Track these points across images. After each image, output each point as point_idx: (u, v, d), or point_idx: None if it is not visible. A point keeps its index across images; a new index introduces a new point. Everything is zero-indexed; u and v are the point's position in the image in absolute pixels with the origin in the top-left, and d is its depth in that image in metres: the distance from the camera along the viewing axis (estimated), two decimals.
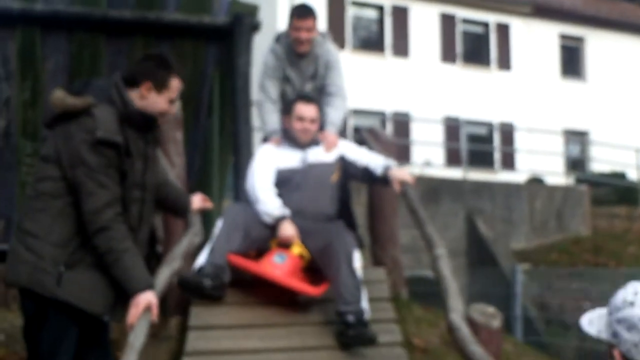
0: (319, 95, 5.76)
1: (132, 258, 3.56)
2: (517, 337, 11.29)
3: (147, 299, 3.54)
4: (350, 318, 4.64)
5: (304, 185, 5.18)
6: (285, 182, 5.20)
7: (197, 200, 4.53)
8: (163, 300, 4.26)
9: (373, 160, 5.31)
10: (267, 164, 5.29)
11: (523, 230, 14.57)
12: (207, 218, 5.87)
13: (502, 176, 20.39)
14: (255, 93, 6.25)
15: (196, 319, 4.77)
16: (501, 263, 12.96)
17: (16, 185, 6.61)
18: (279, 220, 5.01)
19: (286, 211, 5.04)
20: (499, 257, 13.08)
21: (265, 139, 5.81)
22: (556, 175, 19.83)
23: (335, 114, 5.75)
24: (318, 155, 5.31)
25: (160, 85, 3.73)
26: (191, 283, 4.79)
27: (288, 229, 5.01)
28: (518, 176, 19.64)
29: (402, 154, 19.70)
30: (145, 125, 3.73)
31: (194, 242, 4.46)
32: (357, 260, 4.90)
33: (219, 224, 5.02)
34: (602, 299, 11.17)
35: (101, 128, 3.51)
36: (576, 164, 23.76)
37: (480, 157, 21.42)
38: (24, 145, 6.54)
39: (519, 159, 22.11)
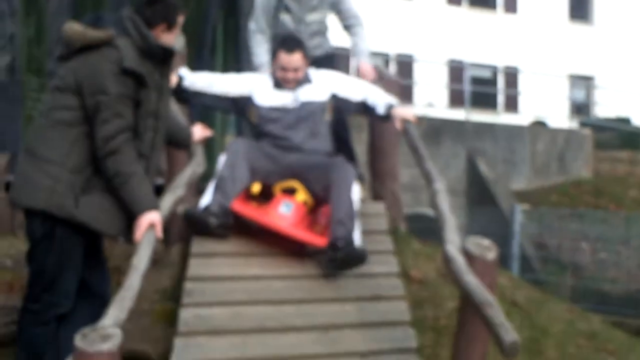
0: (343, 20, 5.91)
1: (138, 181, 3.73)
2: (514, 274, 11.47)
3: (150, 218, 3.70)
4: (341, 243, 4.72)
5: (298, 124, 5.16)
6: (277, 120, 5.17)
7: (198, 131, 4.75)
8: (166, 229, 4.39)
9: (373, 95, 5.30)
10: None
11: (524, 171, 14.60)
12: (210, 152, 5.95)
13: (505, 118, 20.39)
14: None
15: (198, 247, 4.87)
16: (501, 203, 13.03)
17: (21, 120, 6.69)
18: None
19: None
20: (499, 197, 13.14)
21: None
22: (560, 119, 19.81)
23: (363, 44, 6.02)
24: (310, 94, 5.23)
25: (172, 26, 3.98)
26: (197, 220, 4.86)
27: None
28: (522, 119, 19.64)
29: (405, 95, 19.67)
30: (164, 58, 3.94)
31: (197, 172, 4.57)
32: (356, 192, 4.97)
33: (222, 159, 5.06)
34: (600, 241, 11.32)
35: (126, 59, 3.69)
36: (581, 109, 23.72)
37: (484, 100, 21.40)
38: (29, 80, 6.61)
39: (523, 102, 22.07)
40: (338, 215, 4.83)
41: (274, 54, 5.26)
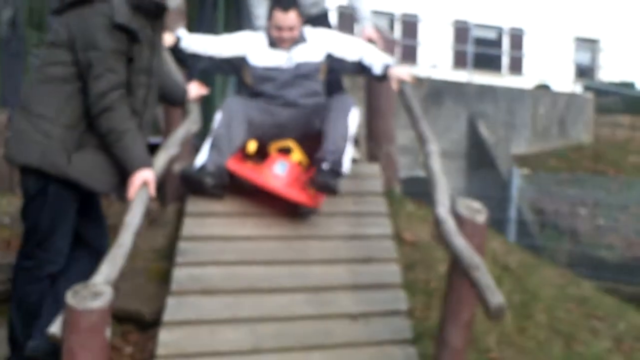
0: None
1: (132, 138, 3.74)
2: (510, 239, 11.51)
3: (144, 176, 3.73)
4: (325, 166, 4.81)
5: (292, 83, 5.18)
6: (271, 79, 5.19)
7: (194, 89, 4.76)
8: (160, 187, 4.42)
9: (369, 55, 5.30)
10: None
11: (524, 135, 14.58)
12: (210, 110, 5.97)
13: (509, 81, 20.32)
14: None
15: (193, 206, 4.91)
16: (500, 167, 13.04)
17: (23, 74, 6.71)
18: None
19: None
20: (499, 160, 13.15)
21: None
22: (565, 82, 19.74)
23: (365, 7, 5.95)
24: (304, 54, 5.24)
25: None
26: (193, 180, 4.90)
27: None
28: (525, 82, 19.56)
29: (409, 55, 19.64)
30: (156, 12, 3.90)
31: (192, 130, 4.59)
32: (353, 118, 5.01)
33: (217, 117, 5.07)
34: (598, 206, 11.36)
35: (118, 14, 3.67)
36: (585, 72, 23.62)
37: (488, 61, 21.30)
38: (30, 35, 6.62)
39: (527, 64, 21.97)
40: (332, 135, 4.91)
41: (269, 13, 5.25)
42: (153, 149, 4.40)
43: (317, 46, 5.28)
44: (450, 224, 3.83)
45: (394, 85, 5.22)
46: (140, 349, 4.31)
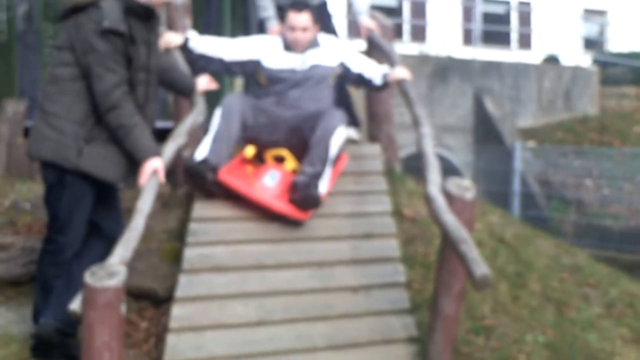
0: None
1: (140, 131, 4.05)
2: (514, 211, 11.70)
3: (153, 164, 4.04)
4: (300, 185, 5.00)
5: (303, 85, 5.35)
6: (283, 80, 5.36)
7: (203, 82, 5.04)
8: (171, 173, 4.68)
9: (369, 70, 5.51)
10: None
11: (530, 109, 14.63)
12: (217, 100, 6.21)
13: (519, 55, 20.36)
14: None
15: None
16: (506, 141, 13.15)
17: (39, 66, 6.95)
18: None
19: None
20: (505, 135, 13.24)
21: (261, 25, 6.06)
22: (573, 54, 19.73)
23: (360, 1, 6.17)
24: (318, 57, 5.42)
25: None
26: (196, 173, 5.04)
27: None
28: (534, 55, 19.59)
29: (419, 35, 19.74)
30: (146, 15, 4.15)
31: (198, 121, 4.86)
32: (338, 138, 5.18)
33: (217, 113, 5.26)
34: (604, 177, 11.43)
35: (107, 18, 3.96)
36: (594, 43, 23.58)
37: (497, 37, 21.32)
38: (46, 28, 6.84)
39: (536, 38, 21.97)
40: (311, 156, 5.12)
41: (284, 16, 5.44)
42: (164, 133, 4.70)
43: (331, 52, 5.47)
44: (440, 202, 4.03)
45: (394, 86, 5.48)
46: (155, 323, 4.57)
